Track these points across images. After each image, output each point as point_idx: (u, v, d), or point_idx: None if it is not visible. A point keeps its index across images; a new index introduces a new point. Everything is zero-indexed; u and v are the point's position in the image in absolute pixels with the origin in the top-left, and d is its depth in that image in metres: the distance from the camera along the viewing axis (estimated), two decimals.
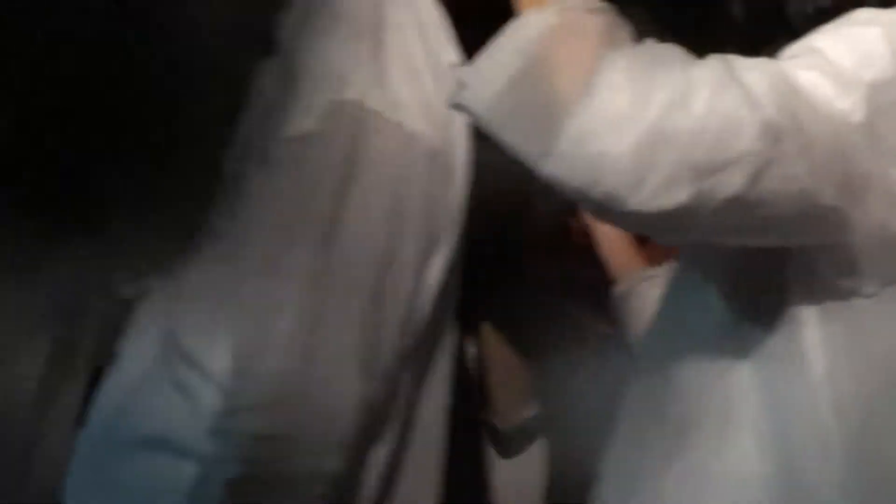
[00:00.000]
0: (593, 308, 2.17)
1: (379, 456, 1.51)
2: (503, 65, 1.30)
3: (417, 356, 1.53)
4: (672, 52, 1.33)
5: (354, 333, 1.44)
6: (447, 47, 1.55)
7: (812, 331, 1.37)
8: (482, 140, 1.43)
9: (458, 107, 1.34)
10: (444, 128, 1.50)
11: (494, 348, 2.02)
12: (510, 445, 2.07)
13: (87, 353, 2.30)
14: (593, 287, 2.15)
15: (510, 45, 1.31)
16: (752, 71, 1.30)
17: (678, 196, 1.27)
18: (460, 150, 1.53)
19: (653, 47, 1.34)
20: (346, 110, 1.45)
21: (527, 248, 2.01)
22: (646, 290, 1.88)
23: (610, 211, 1.30)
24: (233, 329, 1.44)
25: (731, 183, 1.27)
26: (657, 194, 1.27)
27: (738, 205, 1.28)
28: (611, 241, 1.92)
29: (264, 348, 1.42)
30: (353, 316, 1.44)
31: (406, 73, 1.50)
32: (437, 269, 1.51)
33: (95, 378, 2.33)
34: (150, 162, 2.12)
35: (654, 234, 1.46)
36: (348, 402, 1.44)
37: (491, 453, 2.06)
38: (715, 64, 1.31)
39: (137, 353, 1.59)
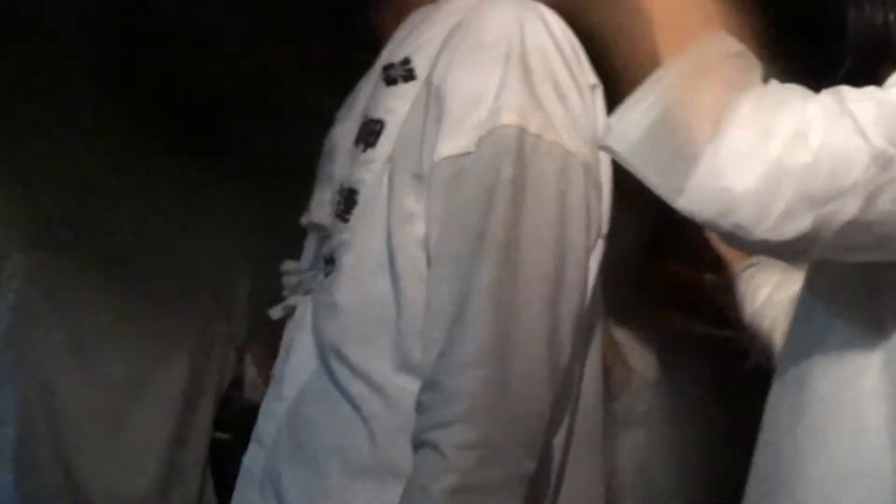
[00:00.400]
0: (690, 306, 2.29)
1: (554, 446, 1.61)
2: (644, 112, 1.43)
3: (580, 350, 1.65)
4: (792, 91, 1.45)
5: (540, 340, 1.54)
6: (585, 68, 1.65)
7: None
8: None
9: (604, 148, 1.48)
10: (592, 145, 1.61)
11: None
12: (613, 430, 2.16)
13: (216, 374, 2.43)
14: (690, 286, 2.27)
15: (652, 93, 1.43)
16: (861, 102, 1.41)
17: (800, 225, 1.39)
18: (605, 166, 1.64)
19: (775, 87, 1.46)
20: (508, 135, 1.56)
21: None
22: (751, 275, 2.06)
23: (739, 239, 1.42)
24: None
25: (847, 209, 1.39)
26: (780, 224, 1.39)
27: (854, 227, 1.40)
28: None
29: (461, 363, 1.52)
30: (536, 324, 1.54)
31: (555, 95, 1.59)
32: (594, 274, 1.63)
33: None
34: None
35: (782, 258, 1.57)
36: (541, 406, 1.54)
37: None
38: (827, 98, 1.42)
39: (296, 368, 1.71)
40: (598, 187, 1.63)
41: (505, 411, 1.51)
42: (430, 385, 1.54)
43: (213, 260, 2.41)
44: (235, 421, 2.51)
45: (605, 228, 1.65)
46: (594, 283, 1.64)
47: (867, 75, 1.49)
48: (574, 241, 1.59)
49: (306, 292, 1.77)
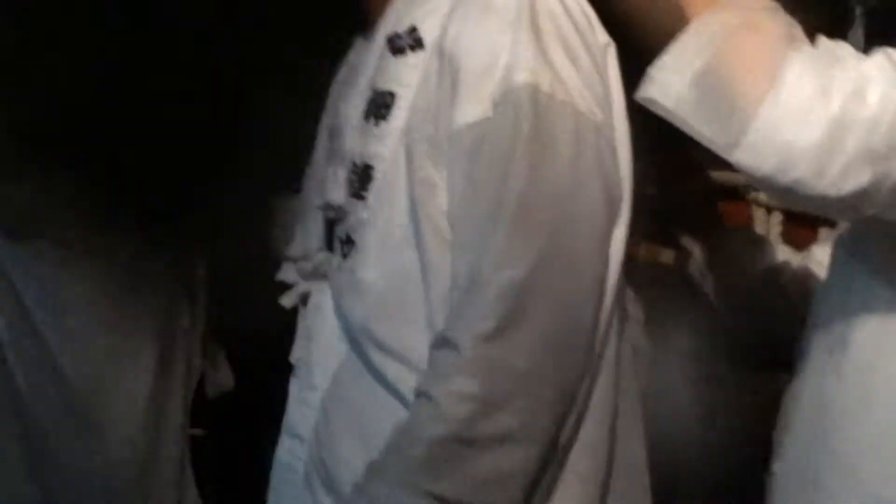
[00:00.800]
0: None
1: (597, 430, 1.60)
2: (688, 60, 1.42)
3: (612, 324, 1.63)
4: (844, 49, 1.46)
5: (554, 305, 1.51)
6: (596, 28, 1.63)
7: None
8: None
9: (646, 100, 1.46)
10: (605, 107, 1.59)
11: None
12: None
13: (183, 366, 2.35)
14: None
15: (694, 42, 1.42)
16: None
17: (859, 180, 1.41)
18: (620, 127, 1.61)
19: (827, 44, 1.46)
20: (522, 94, 1.53)
21: None
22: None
23: (797, 195, 1.41)
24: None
25: None
26: (840, 179, 1.40)
27: None
28: None
29: (466, 319, 1.50)
30: (552, 285, 1.51)
31: (566, 56, 1.57)
32: (619, 240, 1.60)
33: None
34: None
35: (836, 214, 1.57)
36: (549, 369, 1.52)
37: None
38: (881, 58, 1.43)
39: (324, 356, 1.67)
40: (613, 150, 1.60)
41: (511, 368, 1.49)
42: (437, 342, 1.53)
43: (171, 249, 2.33)
44: (208, 416, 2.44)
45: (626, 193, 1.62)
46: (621, 257, 1.61)
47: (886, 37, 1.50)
48: (589, 203, 1.56)
49: (321, 277, 1.72)
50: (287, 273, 1.84)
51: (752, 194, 2.44)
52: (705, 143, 1.43)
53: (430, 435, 1.48)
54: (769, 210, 2.49)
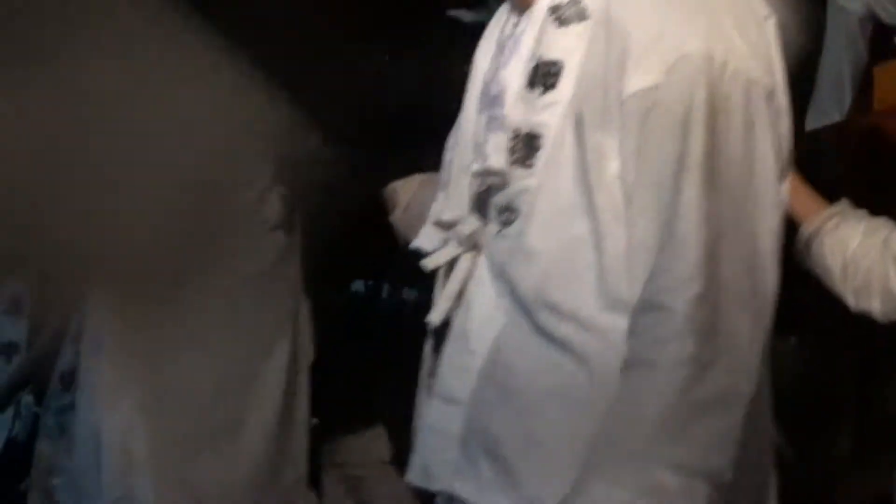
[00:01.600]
0: None
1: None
2: None
3: None
4: None
5: (742, 261, 1.57)
6: (754, 1, 1.69)
7: None
8: None
9: None
10: (771, 73, 1.65)
11: None
12: None
13: (305, 360, 2.36)
14: None
15: None
16: None
17: None
18: (782, 93, 1.67)
19: None
20: (696, 62, 1.58)
21: None
22: (836, 225, 2.13)
23: None
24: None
25: None
26: None
27: None
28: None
29: (674, 282, 1.54)
30: (743, 246, 1.57)
31: (734, 26, 1.62)
32: (784, 197, 1.66)
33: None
34: None
35: None
36: (746, 327, 1.56)
37: None
38: None
39: (482, 323, 1.69)
40: (779, 113, 1.66)
41: (721, 329, 1.53)
42: (644, 306, 1.56)
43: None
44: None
45: (789, 155, 1.68)
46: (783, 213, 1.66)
47: None
48: (764, 167, 1.61)
49: (471, 246, 1.74)
50: (426, 239, 1.86)
51: None
52: None
53: (660, 402, 1.51)
54: None
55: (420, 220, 2.19)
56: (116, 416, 2.12)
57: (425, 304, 1.82)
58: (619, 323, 1.59)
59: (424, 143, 2.26)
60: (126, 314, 2.10)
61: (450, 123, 1.91)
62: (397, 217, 2.26)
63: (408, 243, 2.22)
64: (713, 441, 1.52)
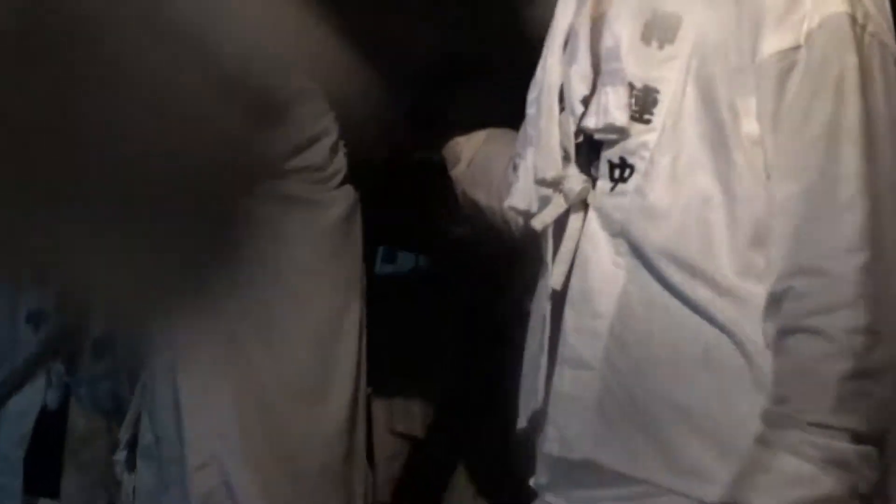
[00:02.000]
0: None
1: None
2: None
3: None
4: None
5: None
6: None
7: None
8: None
9: None
10: (893, 37, 1.63)
11: None
12: None
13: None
14: None
15: None
16: None
17: None
18: None
19: None
20: (840, 23, 1.57)
21: None
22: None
23: None
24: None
25: None
26: None
27: None
28: None
29: (841, 248, 1.53)
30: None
31: None
32: None
33: None
34: None
35: None
36: None
37: None
38: None
39: (603, 282, 1.67)
40: None
41: (885, 296, 1.53)
42: (804, 271, 1.54)
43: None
44: None
45: None
46: None
47: None
48: None
49: (578, 203, 1.70)
50: (521, 197, 1.81)
51: None
52: None
53: (838, 371, 1.51)
54: None
55: (485, 176, 2.17)
56: (197, 380, 2.04)
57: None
58: (754, 289, 1.57)
59: (488, 97, 2.22)
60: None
61: (519, 76, 1.87)
62: (459, 172, 2.21)
63: (467, 199, 2.19)
64: (881, 407, 1.53)
